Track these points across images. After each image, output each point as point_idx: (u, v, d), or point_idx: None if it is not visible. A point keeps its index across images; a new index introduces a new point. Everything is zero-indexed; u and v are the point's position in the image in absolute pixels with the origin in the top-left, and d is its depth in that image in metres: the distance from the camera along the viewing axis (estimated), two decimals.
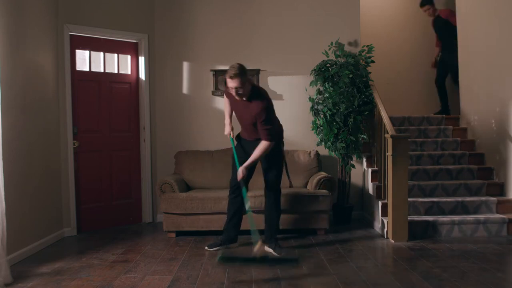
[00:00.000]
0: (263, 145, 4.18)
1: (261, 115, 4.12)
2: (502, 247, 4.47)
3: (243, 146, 4.46)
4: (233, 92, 4.09)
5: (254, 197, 4.98)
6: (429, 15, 6.97)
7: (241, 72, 4.02)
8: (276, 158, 4.40)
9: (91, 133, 5.44)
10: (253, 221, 4.13)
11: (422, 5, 6.98)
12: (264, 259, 3.89)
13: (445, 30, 6.85)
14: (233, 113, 4.48)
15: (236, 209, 4.50)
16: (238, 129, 4.56)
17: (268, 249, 4.29)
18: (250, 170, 4.43)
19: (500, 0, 5.48)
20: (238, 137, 4.56)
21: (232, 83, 4.04)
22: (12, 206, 4.01)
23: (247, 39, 6.03)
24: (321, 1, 6.04)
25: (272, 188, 4.41)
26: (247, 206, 4.17)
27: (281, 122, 5.97)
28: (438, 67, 7.19)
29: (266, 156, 4.29)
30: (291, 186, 4.86)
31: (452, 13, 6.66)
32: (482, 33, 5.87)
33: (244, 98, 4.17)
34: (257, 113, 4.12)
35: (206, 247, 4.51)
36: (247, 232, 5.06)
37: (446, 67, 7.02)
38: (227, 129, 4.49)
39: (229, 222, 4.54)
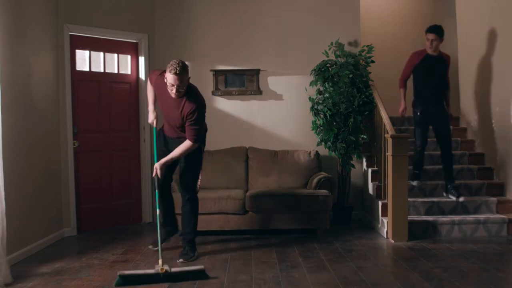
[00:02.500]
0: (186, 144, 4.00)
1: (193, 114, 3.97)
2: (502, 247, 4.47)
3: (167, 142, 4.29)
4: (173, 89, 3.89)
5: (252, 197, 4.99)
6: (430, 48, 5.10)
7: (186, 70, 3.91)
8: (195, 159, 4.24)
9: (91, 133, 5.43)
10: (160, 237, 3.95)
11: (431, 31, 5.13)
12: (169, 276, 3.54)
13: (443, 74, 5.19)
14: (158, 103, 4.29)
15: (166, 207, 4.41)
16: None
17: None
18: (169, 171, 4.28)
19: (499, 0, 5.48)
20: (161, 131, 4.35)
21: (175, 80, 3.85)
22: (12, 206, 4.00)
23: (247, 39, 6.03)
24: (321, 1, 6.05)
25: (187, 189, 4.24)
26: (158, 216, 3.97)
27: (281, 122, 6.04)
28: (421, 125, 5.19)
29: (185, 156, 4.14)
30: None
31: (449, 60, 5.25)
32: (482, 33, 5.87)
33: (180, 97, 4.01)
34: (189, 112, 3.96)
35: (150, 246, 4.44)
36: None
37: (428, 124, 5.21)
38: (151, 117, 4.28)
39: (164, 217, 4.44)
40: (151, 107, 4.32)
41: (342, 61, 5.67)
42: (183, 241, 4.32)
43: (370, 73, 5.73)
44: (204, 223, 5.00)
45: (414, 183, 5.27)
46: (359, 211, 5.96)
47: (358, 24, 6.05)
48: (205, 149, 5.74)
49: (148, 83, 4.36)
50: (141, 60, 5.82)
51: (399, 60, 7.35)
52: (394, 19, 7.43)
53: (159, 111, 4.30)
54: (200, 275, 3.61)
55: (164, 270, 3.49)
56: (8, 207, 3.79)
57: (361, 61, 5.69)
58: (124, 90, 5.73)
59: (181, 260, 4.13)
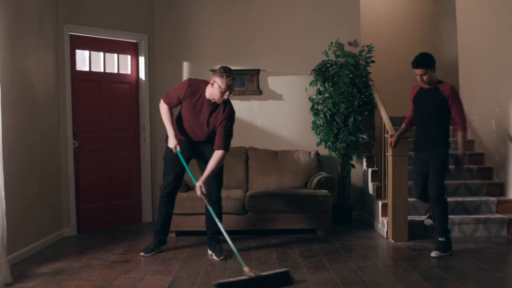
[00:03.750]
0: (218, 155, 4.07)
1: (229, 119, 4.12)
2: (502, 247, 4.47)
3: (192, 148, 4.29)
4: (226, 94, 4.00)
5: (252, 197, 4.99)
6: (422, 83, 4.28)
7: None
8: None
9: (91, 133, 5.43)
10: (234, 246, 3.84)
11: (416, 66, 4.24)
12: (261, 280, 3.46)
13: (436, 110, 4.25)
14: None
15: (168, 211, 4.43)
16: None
17: (208, 252, 4.34)
18: (181, 174, 4.35)
19: (500, 0, 5.48)
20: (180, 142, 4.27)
21: (231, 85, 4.01)
22: (12, 206, 4.00)
23: (247, 39, 6.03)
24: (321, 1, 6.04)
25: (217, 190, 4.30)
26: (222, 228, 4.00)
27: (281, 122, 6.05)
28: (414, 172, 4.52)
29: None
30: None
31: (454, 93, 4.22)
32: (482, 33, 5.87)
33: (220, 101, 4.09)
34: (226, 116, 4.09)
35: (141, 253, 4.38)
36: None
37: (421, 172, 4.39)
38: (174, 141, 4.19)
39: (162, 224, 4.44)
40: (172, 131, 4.22)
41: (342, 61, 5.67)
42: (213, 241, 4.34)
43: (370, 73, 5.73)
44: (204, 223, 4.99)
45: (426, 222, 4.64)
46: (359, 211, 5.96)
47: (358, 24, 6.05)
48: None
49: (164, 106, 4.27)
50: (141, 60, 5.82)
51: (399, 60, 7.38)
52: (394, 19, 7.43)
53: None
54: (286, 277, 3.54)
55: (256, 274, 3.42)
56: (8, 207, 3.78)
57: (361, 61, 5.69)
58: (124, 90, 5.73)
59: (222, 257, 4.19)
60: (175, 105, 4.26)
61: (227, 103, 4.14)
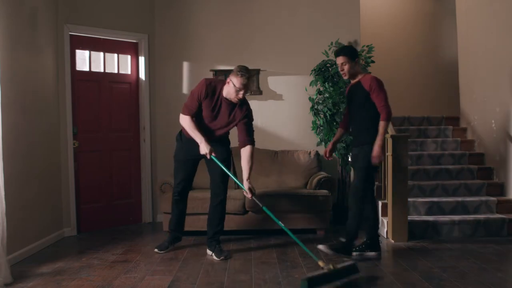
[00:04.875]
0: (249, 151, 4.14)
1: (247, 116, 4.16)
2: (502, 247, 4.47)
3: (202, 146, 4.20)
4: (242, 92, 3.99)
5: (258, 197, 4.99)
6: (343, 73, 4.19)
7: None
8: (230, 161, 4.37)
9: (91, 133, 5.43)
10: (302, 244, 3.91)
11: (336, 54, 4.21)
12: (340, 273, 3.50)
13: (361, 105, 4.14)
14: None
15: (180, 210, 4.48)
16: None
17: (208, 252, 4.34)
18: (192, 174, 4.41)
19: (500, 0, 5.48)
20: (186, 140, 4.31)
21: (246, 85, 3.99)
22: (12, 206, 4.00)
23: (247, 39, 6.03)
24: (321, 1, 6.04)
25: (223, 190, 4.30)
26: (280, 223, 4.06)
27: (281, 122, 6.05)
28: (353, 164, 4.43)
29: (225, 158, 4.25)
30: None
31: (374, 83, 4.05)
32: (482, 33, 5.87)
33: (236, 100, 4.09)
34: (245, 115, 4.14)
35: (156, 249, 4.42)
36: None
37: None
38: (207, 147, 4.10)
39: (176, 223, 4.49)
40: (202, 138, 4.11)
41: None
42: (213, 241, 4.32)
43: (370, 73, 5.72)
44: (204, 223, 4.98)
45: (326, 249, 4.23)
46: None
47: (358, 24, 6.05)
48: None
49: (186, 118, 4.16)
50: (141, 60, 5.82)
51: (399, 60, 7.40)
52: (394, 19, 7.44)
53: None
54: (354, 268, 3.61)
55: (334, 267, 3.46)
56: (8, 207, 3.78)
57: (361, 61, 5.69)
58: (124, 90, 5.73)
59: (222, 257, 4.18)
60: (195, 110, 4.16)
61: (243, 103, 4.14)
